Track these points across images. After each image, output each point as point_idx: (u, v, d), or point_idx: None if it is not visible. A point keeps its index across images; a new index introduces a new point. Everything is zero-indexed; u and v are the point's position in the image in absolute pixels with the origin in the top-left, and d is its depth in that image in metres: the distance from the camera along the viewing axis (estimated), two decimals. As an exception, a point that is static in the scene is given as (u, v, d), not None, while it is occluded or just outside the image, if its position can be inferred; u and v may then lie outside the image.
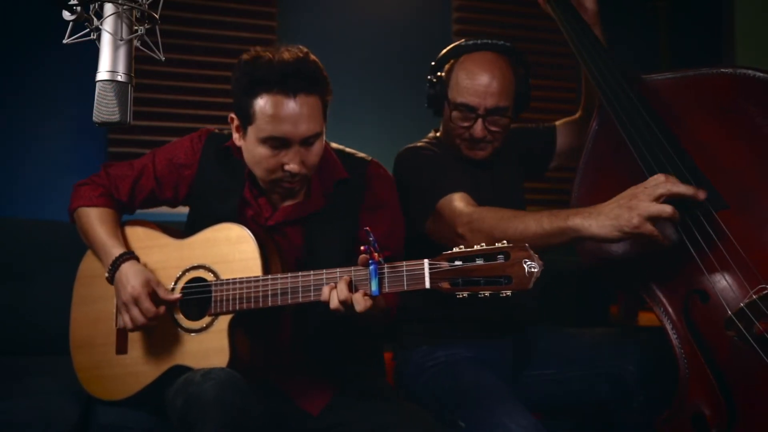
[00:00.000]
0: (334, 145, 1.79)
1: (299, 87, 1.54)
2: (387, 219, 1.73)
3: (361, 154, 1.80)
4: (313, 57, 1.59)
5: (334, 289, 1.46)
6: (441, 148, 2.02)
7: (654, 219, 1.46)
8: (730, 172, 1.59)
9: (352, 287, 1.46)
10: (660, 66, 3.32)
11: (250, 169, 1.68)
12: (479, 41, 1.97)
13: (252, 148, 1.60)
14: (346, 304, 1.44)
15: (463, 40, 2.00)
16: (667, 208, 1.45)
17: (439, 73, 2.00)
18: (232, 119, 1.65)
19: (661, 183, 1.48)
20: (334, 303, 1.45)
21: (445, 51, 2.01)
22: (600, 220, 1.51)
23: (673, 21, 3.37)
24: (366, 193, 1.73)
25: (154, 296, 1.59)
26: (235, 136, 1.66)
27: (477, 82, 1.90)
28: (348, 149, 1.81)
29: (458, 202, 1.81)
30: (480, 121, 1.91)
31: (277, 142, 1.57)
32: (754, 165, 1.60)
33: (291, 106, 1.54)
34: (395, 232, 1.75)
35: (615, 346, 1.88)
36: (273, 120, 1.54)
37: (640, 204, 1.46)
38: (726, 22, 3.59)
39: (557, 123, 2.19)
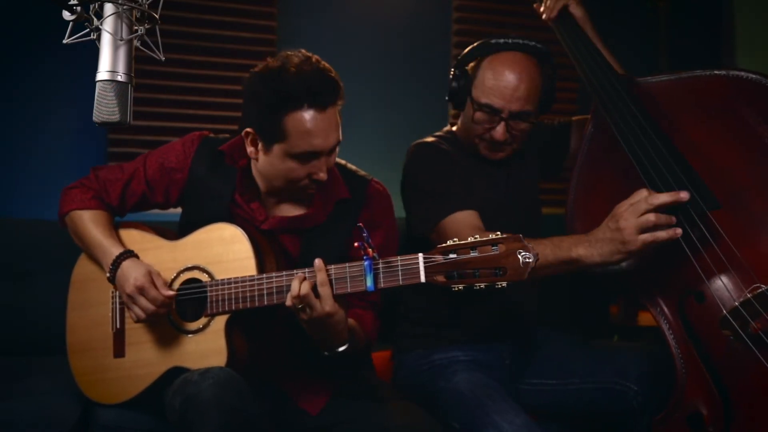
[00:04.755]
0: (336, 160, 1.77)
1: (329, 100, 1.55)
2: (379, 238, 1.72)
3: (363, 173, 1.80)
4: (326, 65, 1.59)
5: (299, 281, 1.46)
6: (455, 145, 1.99)
7: (645, 230, 1.50)
8: (725, 172, 1.60)
9: (316, 292, 1.46)
10: (660, 66, 3.33)
11: (265, 179, 1.68)
12: (510, 40, 1.88)
13: (278, 163, 1.60)
14: (305, 300, 1.45)
15: (492, 38, 1.92)
16: (651, 218, 1.49)
17: (464, 68, 1.94)
18: (248, 134, 1.62)
19: (641, 199, 1.50)
20: (293, 294, 1.45)
21: (472, 46, 1.94)
22: (598, 248, 1.55)
23: (673, 21, 3.37)
24: (363, 210, 1.73)
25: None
26: (251, 149, 1.64)
27: (504, 84, 1.84)
28: (350, 165, 1.80)
29: (464, 222, 1.79)
30: (503, 123, 1.86)
31: (310, 156, 1.58)
32: (748, 165, 1.61)
33: (323, 120, 1.55)
34: (385, 251, 1.73)
35: (618, 362, 1.85)
36: (307, 136, 1.54)
37: (627, 223, 1.50)
38: (726, 22, 3.59)
39: (573, 119, 2.12)
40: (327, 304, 1.46)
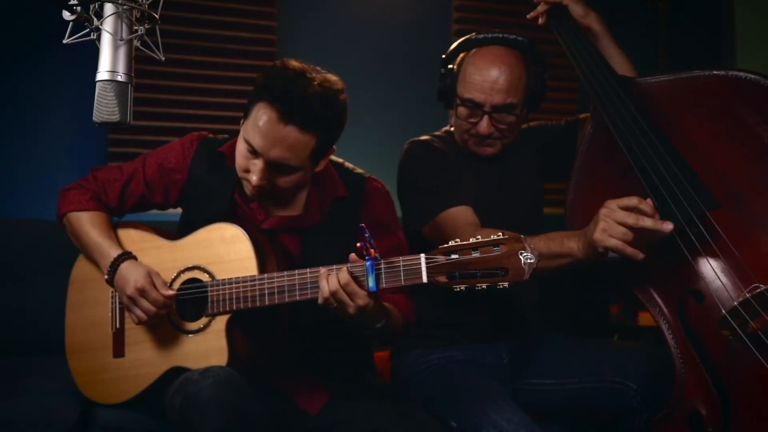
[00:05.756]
0: (334, 158, 1.77)
1: (294, 118, 1.51)
2: (390, 242, 1.71)
3: (360, 170, 1.79)
4: (341, 97, 1.57)
5: (326, 278, 1.45)
6: (449, 144, 2.00)
7: (617, 237, 1.49)
8: (724, 172, 1.60)
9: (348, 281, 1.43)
10: (660, 66, 3.33)
11: None
12: (490, 35, 1.91)
13: (239, 142, 1.62)
14: (336, 297, 1.44)
15: (474, 33, 1.95)
16: (622, 229, 1.47)
17: (450, 66, 1.95)
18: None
19: (627, 208, 1.49)
20: (324, 293, 1.44)
21: (456, 43, 1.96)
22: (582, 242, 1.56)
23: (673, 21, 3.37)
24: (363, 209, 1.72)
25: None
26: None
27: (484, 77, 1.85)
28: (348, 164, 1.80)
29: (460, 218, 1.80)
30: (486, 117, 1.87)
31: (251, 148, 1.57)
32: (747, 165, 1.61)
33: (276, 127, 1.52)
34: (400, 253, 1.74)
35: (617, 361, 1.85)
36: (254, 128, 1.54)
37: (604, 228, 1.49)
38: (726, 22, 3.59)
39: (581, 116, 2.10)
40: (360, 298, 1.44)
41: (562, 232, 1.64)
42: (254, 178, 1.57)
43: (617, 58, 1.94)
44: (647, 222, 1.47)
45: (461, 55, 1.95)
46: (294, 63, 1.58)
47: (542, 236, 1.64)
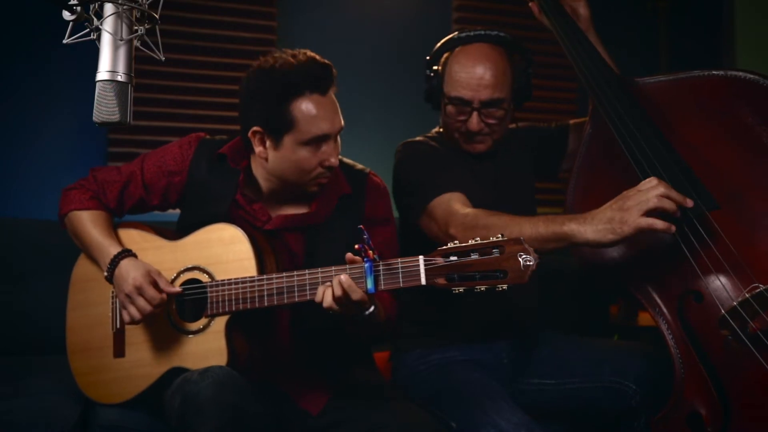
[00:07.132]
0: None
1: (327, 84, 1.61)
2: (385, 233, 1.74)
3: (360, 166, 1.81)
4: (315, 54, 1.64)
5: (329, 288, 1.46)
6: (441, 143, 2.01)
7: (647, 213, 1.48)
8: (723, 172, 1.60)
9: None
10: (660, 66, 3.33)
11: (276, 176, 1.67)
12: (472, 33, 1.93)
13: (290, 155, 1.61)
14: (341, 302, 1.44)
15: (456, 32, 1.97)
16: (658, 201, 1.46)
17: (434, 67, 1.97)
18: (255, 133, 1.63)
19: (654, 186, 1.49)
20: (327, 301, 1.45)
21: (439, 44, 1.98)
22: (594, 225, 1.52)
23: (673, 21, 3.38)
24: (366, 205, 1.75)
25: (155, 286, 1.59)
26: (259, 149, 1.64)
27: (470, 74, 1.87)
28: (346, 159, 1.81)
29: (453, 202, 1.80)
30: (475, 114, 1.89)
31: (319, 140, 1.60)
32: (746, 165, 1.61)
33: (326, 103, 1.60)
34: (390, 247, 1.74)
35: (617, 361, 1.86)
36: (315, 120, 1.58)
37: (634, 205, 1.48)
38: (726, 22, 3.59)
39: (571, 122, 2.14)
40: (356, 294, 1.45)
41: (563, 215, 1.61)
42: (335, 160, 1.63)
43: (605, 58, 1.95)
44: (674, 194, 1.48)
45: (445, 54, 1.96)
46: (263, 64, 1.62)
47: (542, 217, 1.62)
